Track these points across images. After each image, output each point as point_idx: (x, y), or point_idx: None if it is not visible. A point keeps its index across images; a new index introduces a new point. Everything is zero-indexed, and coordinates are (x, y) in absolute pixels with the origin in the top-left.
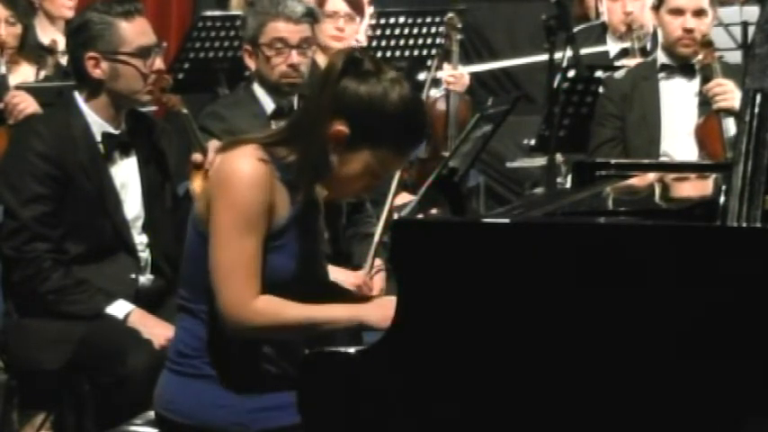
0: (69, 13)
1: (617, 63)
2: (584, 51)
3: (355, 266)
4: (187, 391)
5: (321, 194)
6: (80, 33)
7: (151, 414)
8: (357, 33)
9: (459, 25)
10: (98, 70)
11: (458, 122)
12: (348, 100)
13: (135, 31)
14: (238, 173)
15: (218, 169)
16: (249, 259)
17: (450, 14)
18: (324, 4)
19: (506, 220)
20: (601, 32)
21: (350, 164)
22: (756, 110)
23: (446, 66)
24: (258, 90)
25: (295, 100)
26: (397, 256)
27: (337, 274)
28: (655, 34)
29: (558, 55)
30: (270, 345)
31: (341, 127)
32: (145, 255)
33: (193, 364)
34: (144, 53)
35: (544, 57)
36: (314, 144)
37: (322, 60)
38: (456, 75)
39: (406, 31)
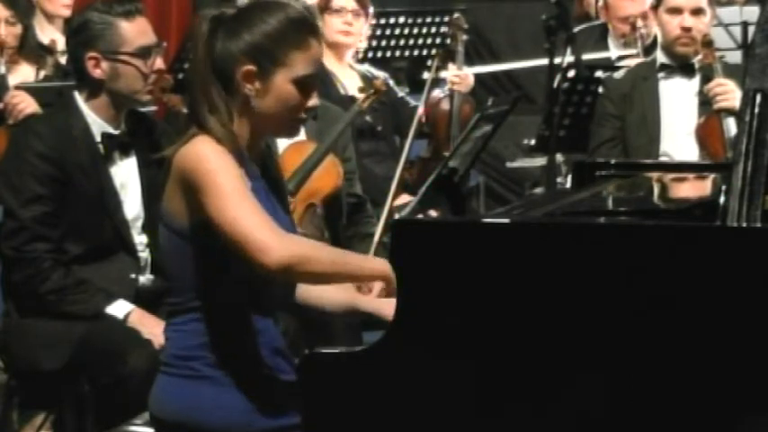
0: (66, 12)
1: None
2: (585, 57)
3: None
4: (184, 393)
5: (281, 169)
6: (80, 33)
7: None
8: (364, 28)
9: (465, 26)
10: (98, 70)
11: (461, 123)
12: (238, 49)
13: (135, 30)
14: (204, 156)
15: (182, 164)
16: (258, 206)
17: (457, 15)
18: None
19: (506, 220)
20: (601, 32)
21: (274, 89)
22: (756, 110)
23: (450, 66)
24: None
25: None
26: (397, 256)
27: None
28: (655, 34)
29: (558, 59)
30: (266, 342)
31: (246, 66)
32: (145, 255)
33: (191, 365)
34: (144, 53)
35: (546, 61)
36: (226, 109)
37: (330, 56)
38: (461, 75)
39: (407, 30)
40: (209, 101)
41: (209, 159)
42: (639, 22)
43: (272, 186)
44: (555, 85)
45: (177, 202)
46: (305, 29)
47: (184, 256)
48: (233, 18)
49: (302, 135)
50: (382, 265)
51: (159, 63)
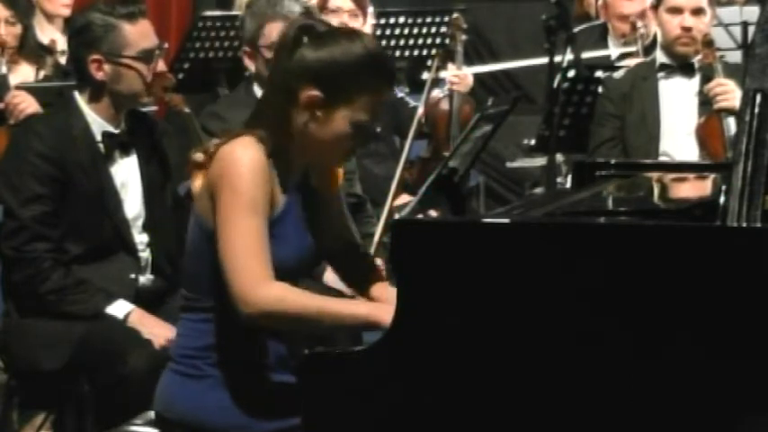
0: (66, 12)
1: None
2: (585, 55)
3: None
4: (188, 392)
5: (322, 184)
6: (83, 34)
7: (151, 414)
8: (363, 28)
9: (465, 26)
10: (101, 72)
11: (460, 123)
12: (311, 67)
13: (138, 33)
14: (239, 161)
15: (219, 161)
16: (260, 241)
17: (456, 15)
18: (327, 0)
19: (506, 220)
20: (601, 32)
21: (333, 123)
22: (756, 110)
23: (450, 66)
24: (258, 90)
25: None
26: (397, 256)
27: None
28: (654, 34)
29: (558, 58)
30: (270, 345)
31: (313, 92)
32: (145, 254)
33: (195, 364)
34: (147, 56)
35: (546, 60)
36: (285, 120)
37: None
38: (460, 75)
39: (407, 30)
40: (276, 103)
41: (242, 174)
42: (639, 22)
43: (309, 199)
44: (555, 85)
45: (206, 200)
46: (382, 74)
47: (204, 254)
48: (319, 35)
49: None
50: (365, 310)
51: (161, 65)
